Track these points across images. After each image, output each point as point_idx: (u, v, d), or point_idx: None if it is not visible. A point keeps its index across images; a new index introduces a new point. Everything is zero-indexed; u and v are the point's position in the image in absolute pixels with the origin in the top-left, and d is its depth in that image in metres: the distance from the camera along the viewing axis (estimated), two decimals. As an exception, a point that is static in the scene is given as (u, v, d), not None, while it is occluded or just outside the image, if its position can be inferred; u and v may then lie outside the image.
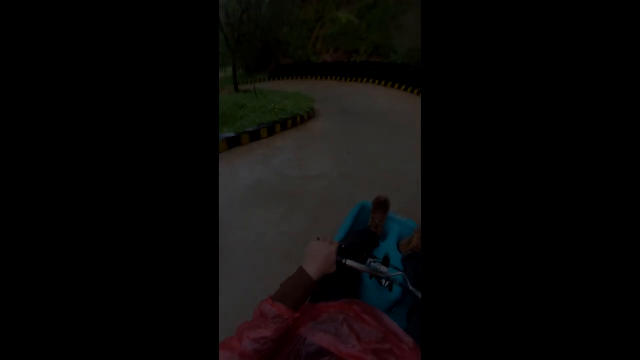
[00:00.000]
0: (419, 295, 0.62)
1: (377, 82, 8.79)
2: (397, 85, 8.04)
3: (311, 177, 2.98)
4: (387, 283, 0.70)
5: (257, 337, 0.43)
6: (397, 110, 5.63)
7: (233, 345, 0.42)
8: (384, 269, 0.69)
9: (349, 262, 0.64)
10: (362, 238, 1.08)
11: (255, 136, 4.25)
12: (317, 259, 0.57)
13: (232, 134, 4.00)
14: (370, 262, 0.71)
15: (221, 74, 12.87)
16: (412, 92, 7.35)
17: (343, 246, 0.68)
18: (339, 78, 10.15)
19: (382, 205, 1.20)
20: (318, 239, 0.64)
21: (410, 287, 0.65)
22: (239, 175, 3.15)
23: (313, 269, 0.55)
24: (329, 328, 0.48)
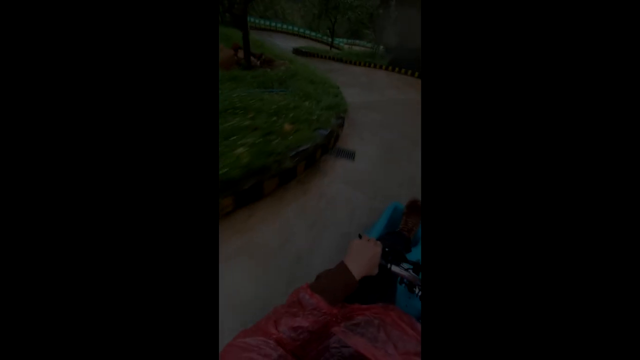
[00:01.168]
0: None
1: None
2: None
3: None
4: (419, 292, 0.66)
5: (295, 325, 0.42)
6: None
7: (269, 330, 0.41)
8: (414, 276, 0.66)
9: (394, 268, 0.63)
10: (397, 242, 1.02)
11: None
12: (360, 258, 0.56)
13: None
14: (404, 269, 0.67)
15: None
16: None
17: (387, 249, 0.66)
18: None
19: (417, 209, 1.15)
20: (360, 236, 0.62)
21: None
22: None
23: (355, 268, 0.53)
24: (365, 332, 0.46)
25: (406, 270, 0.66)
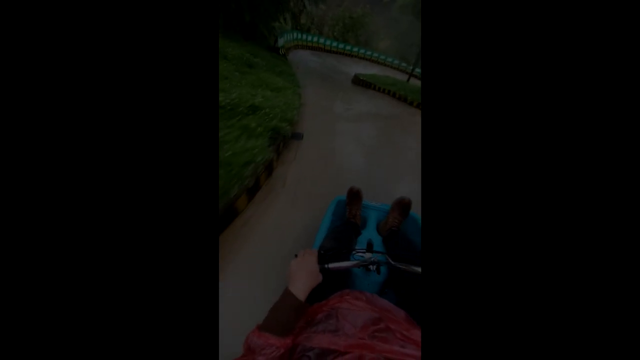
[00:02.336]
0: (402, 267, 0.69)
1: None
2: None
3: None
4: (374, 267, 0.73)
5: None
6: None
7: None
8: (368, 255, 0.75)
9: (332, 265, 0.68)
10: (344, 232, 1.08)
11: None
12: (300, 276, 0.59)
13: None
14: (355, 253, 0.78)
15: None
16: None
17: (322, 252, 0.70)
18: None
19: (355, 195, 1.26)
20: (296, 255, 0.66)
21: (393, 263, 0.71)
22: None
23: (299, 288, 0.56)
24: (326, 326, 0.49)
25: (353, 257, 0.78)
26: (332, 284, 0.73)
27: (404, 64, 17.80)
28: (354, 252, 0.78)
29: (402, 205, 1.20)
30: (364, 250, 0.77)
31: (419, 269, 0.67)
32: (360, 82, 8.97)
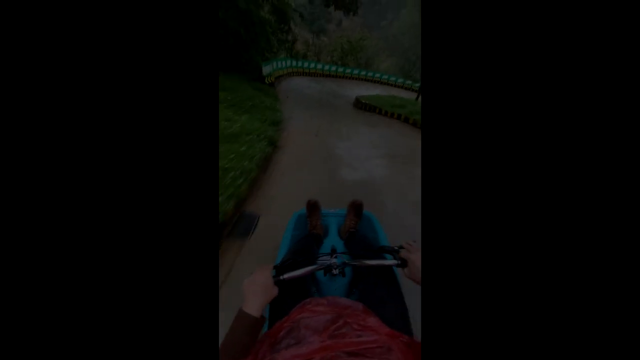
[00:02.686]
0: (364, 263, 0.73)
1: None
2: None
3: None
4: (337, 270, 0.72)
5: None
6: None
7: None
8: (329, 260, 0.74)
9: (287, 275, 0.67)
10: (303, 243, 1.08)
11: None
12: (254, 293, 0.60)
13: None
14: (319, 260, 0.75)
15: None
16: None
17: (277, 264, 0.72)
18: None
19: (313, 207, 1.26)
20: (252, 273, 0.66)
21: (351, 261, 0.74)
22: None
23: (254, 305, 0.57)
24: (289, 342, 0.47)
25: (319, 264, 0.74)
26: (295, 296, 0.73)
27: (408, 82, 16.73)
28: (318, 259, 0.76)
29: (355, 207, 1.22)
30: (329, 256, 0.76)
31: (375, 262, 0.72)
32: (363, 105, 7.60)
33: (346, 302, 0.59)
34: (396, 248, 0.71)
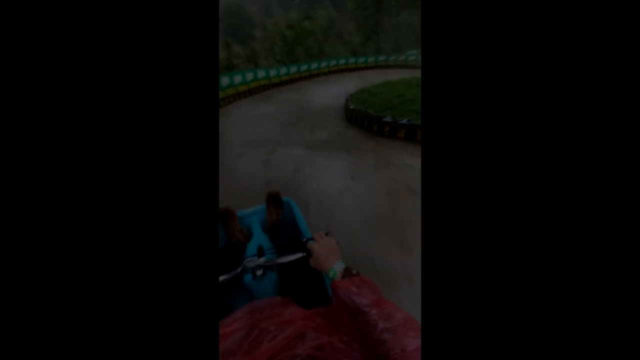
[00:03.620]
0: (276, 261, 0.69)
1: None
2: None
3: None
4: (260, 272, 0.72)
5: None
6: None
7: None
8: (261, 260, 0.73)
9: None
10: (225, 256, 0.96)
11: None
12: None
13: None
14: (246, 263, 0.73)
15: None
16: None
17: None
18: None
19: (224, 215, 1.13)
20: None
21: (266, 263, 0.71)
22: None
23: None
24: (232, 347, 0.46)
25: (243, 267, 0.71)
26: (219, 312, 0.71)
27: (407, 56, 13.27)
28: (246, 261, 0.73)
29: (272, 198, 1.16)
30: (257, 257, 0.75)
31: (285, 258, 0.68)
32: (363, 118, 3.99)
33: (264, 303, 0.60)
34: (304, 239, 0.70)
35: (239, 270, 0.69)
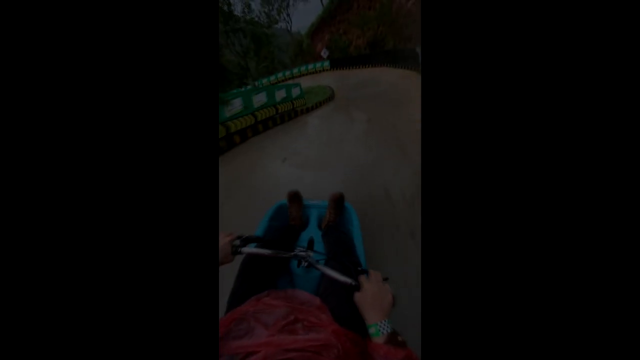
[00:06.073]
0: (324, 270, 0.66)
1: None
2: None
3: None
4: (305, 264, 0.72)
5: None
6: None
7: None
8: (301, 252, 0.73)
9: (245, 250, 0.71)
10: (278, 234, 1.09)
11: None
12: None
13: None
14: (297, 251, 0.75)
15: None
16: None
17: (244, 236, 0.75)
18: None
19: (294, 197, 1.26)
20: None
21: (315, 264, 0.70)
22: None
23: None
24: (239, 332, 0.50)
25: (296, 253, 0.73)
26: (258, 286, 0.74)
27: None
28: (297, 249, 0.75)
29: (335, 200, 1.21)
30: (306, 248, 0.76)
31: (333, 273, 0.64)
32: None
33: (304, 297, 0.63)
34: (360, 269, 0.67)
35: (291, 254, 0.71)
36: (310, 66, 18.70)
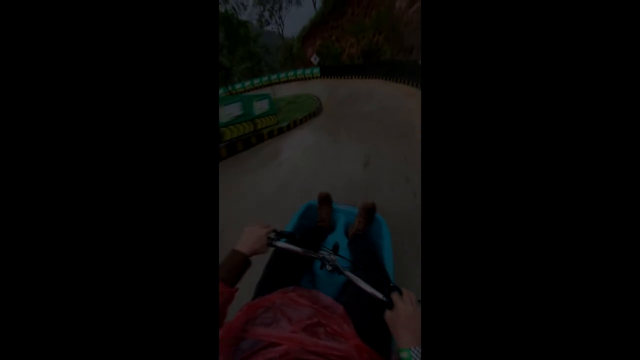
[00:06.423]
0: (351, 276, 0.65)
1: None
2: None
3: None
4: (330, 267, 0.71)
5: None
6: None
7: None
8: (322, 254, 0.72)
9: (279, 243, 0.72)
10: (307, 233, 1.09)
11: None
12: (248, 240, 0.66)
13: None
14: (324, 253, 0.74)
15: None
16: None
17: (278, 230, 0.75)
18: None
19: (324, 200, 1.26)
20: (255, 223, 0.71)
21: (342, 269, 0.68)
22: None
23: (245, 248, 0.64)
24: (264, 320, 0.52)
25: (302, 248, 0.73)
26: (280, 273, 0.80)
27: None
28: (322, 253, 0.73)
29: (366, 209, 1.17)
30: (331, 251, 0.74)
31: (365, 286, 0.62)
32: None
33: (327, 302, 0.62)
34: (393, 285, 0.62)
35: (320, 255, 0.71)
36: (299, 72, 17.25)
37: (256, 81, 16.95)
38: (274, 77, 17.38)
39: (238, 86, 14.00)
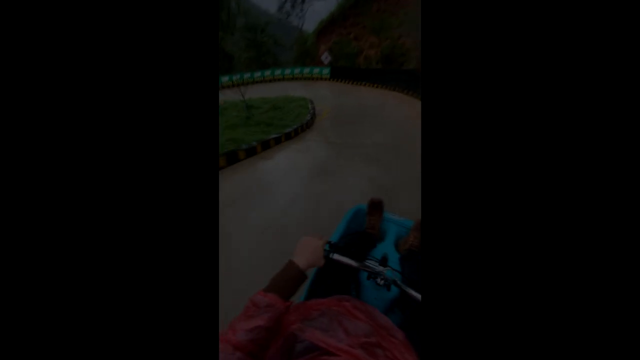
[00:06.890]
0: (413, 293, 0.63)
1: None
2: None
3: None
4: (383, 282, 0.68)
5: (251, 326, 0.45)
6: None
7: (227, 337, 0.43)
8: (380, 268, 0.69)
9: (336, 256, 0.68)
10: (356, 239, 1.02)
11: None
12: (304, 252, 0.62)
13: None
14: (368, 262, 0.71)
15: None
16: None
17: (333, 242, 0.71)
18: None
19: (376, 206, 1.18)
20: (309, 235, 0.68)
21: (401, 284, 0.66)
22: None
23: (301, 261, 0.59)
24: (319, 324, 0.49)
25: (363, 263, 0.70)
26: (334, 280, 0.76)
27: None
28: (366, 261, 0.70)
29: None
30: (377, 263, 0.70)
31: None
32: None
33: (385, 322, 0.55)
34: None
35: (376, 270, 0.67)
36: (307, 70, 14.94)
37: (257, 74, 14.80)
38: (277, 72, 15.19)
39: (236, 77, 11.85)
